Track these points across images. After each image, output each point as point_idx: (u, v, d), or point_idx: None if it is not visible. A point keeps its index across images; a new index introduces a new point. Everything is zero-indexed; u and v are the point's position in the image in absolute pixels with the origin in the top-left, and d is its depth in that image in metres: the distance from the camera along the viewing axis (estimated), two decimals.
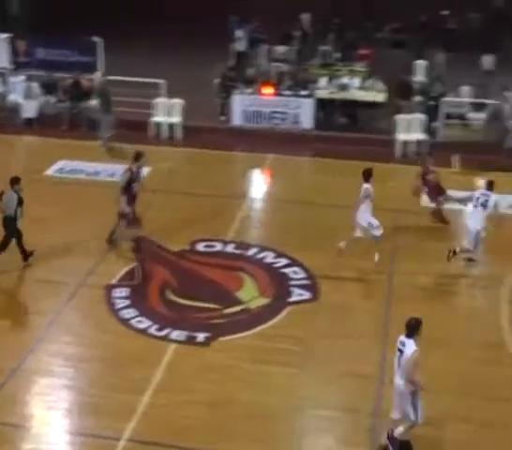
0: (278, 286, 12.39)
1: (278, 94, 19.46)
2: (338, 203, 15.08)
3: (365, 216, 12.64)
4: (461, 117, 18.72)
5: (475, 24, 26.36)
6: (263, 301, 11.98)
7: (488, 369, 10.40)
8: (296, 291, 12.25)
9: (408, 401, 8.79)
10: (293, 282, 12.48)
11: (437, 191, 14.32)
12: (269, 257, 13.23)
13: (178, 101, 19.26)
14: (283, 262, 13.06)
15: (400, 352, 8.71)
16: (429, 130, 18.09)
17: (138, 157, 13.37)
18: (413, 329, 8.63)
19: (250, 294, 12.15)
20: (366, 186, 12.60)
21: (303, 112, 19.05)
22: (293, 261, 13.06)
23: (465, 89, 19.08)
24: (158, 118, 19.17)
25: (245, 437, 9.13)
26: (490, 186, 12.78)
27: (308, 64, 21.72)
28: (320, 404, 9.79)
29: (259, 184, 17.22)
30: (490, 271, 12.98)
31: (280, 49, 23.07)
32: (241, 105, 19.36)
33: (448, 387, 9.92)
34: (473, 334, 11.25)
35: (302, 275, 12.68)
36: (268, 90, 19.52)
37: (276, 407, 9.66)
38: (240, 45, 23.50)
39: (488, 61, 22.34)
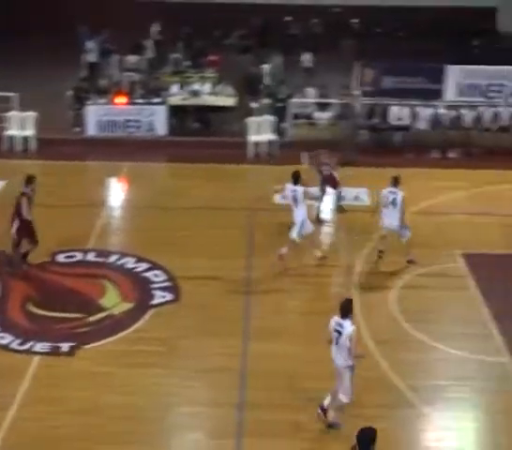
0: (141, 290, 12.59)
1: (131, 103, 19.61)
2: (196, 206, 15.50)
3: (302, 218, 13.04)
4: (308, 117, 19.54)
5: (316, 29, 27.62)
6: (127, 306, 12.15)
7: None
8: (158, 293, 12.50)
9: (347, 378, 9.37)
10: (155, 285, 12.73)
11: (331, 184, 14.84)
12: (130, 262, 13.41)
13: (31, 114, 19.07)
14: (144, 266, 13.28)
15: (338, 332, 9.21)
16: (279, 131, 18.81)
17: (29, 180, 13.10)
18: (345, 310, 9.20)
19: (113, 301, 12.30)
20: (298, 188, 12.99)
21: (157, 120, 19.33)
22: (153, 264, 13.28)
23: (310, 90, 19.92)
24: (11, 132, 18.91)
25: (118, 440, 9.26)
26: (396, 182, 13.01)
27: (160, 72, 22.04)
28: (187, 401, 10.08)
29: (116, 192, 17.34)
30: (340, 259, 13.71)
31: (132, 58, 23.18)
32: (95, 115, 19.39)
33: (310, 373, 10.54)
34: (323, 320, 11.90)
35: (163, 277, 12.94)
36: (121, 99, 19.66)
37: (145, 408, 9.85)
38: (91, 56, 23.42)
39: (307, 58, 23.49)
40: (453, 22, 27.01)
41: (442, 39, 26.90)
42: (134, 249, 13.79)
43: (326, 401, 9.60)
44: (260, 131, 18.32)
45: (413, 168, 17.50)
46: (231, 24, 26.87)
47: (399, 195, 12.81)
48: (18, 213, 12.92)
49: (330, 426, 9.60)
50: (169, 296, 12.44)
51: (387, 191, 12.90)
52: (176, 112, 19.63)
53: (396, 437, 9.46)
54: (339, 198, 15.11)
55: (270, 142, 18.34)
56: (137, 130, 19.37)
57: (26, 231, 12.99)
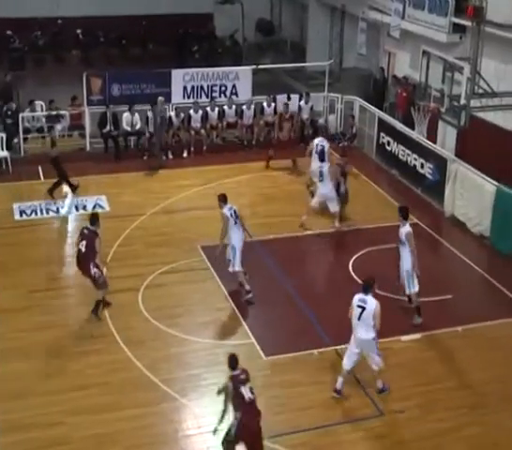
0: None
1: None
2: None
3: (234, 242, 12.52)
4: (40, 130, 19.24)
5: (40, 42, 27.21)
6: None
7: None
8: None
9: (376, 349, 10.06)
10: None
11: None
12: None
13: None
14: None
15: (362, 308, 9.87)
16: (11, 147, 18.35)
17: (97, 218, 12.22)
18: (368, 286, 10.00)
19: None
20: (225, 210, 12.45)
21: None
22: None
23: (38, 104, 19.57)
24: None
25: None
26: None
27: None
28: None
29: None
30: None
31: None
32: None
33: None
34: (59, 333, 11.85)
35: None
36: None
37: None
38: None
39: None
40: (174, 28, 27.97)
41: (165, 45, 27.84)
42: None
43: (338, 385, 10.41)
44: None
45: (150, 170, 18.01)
46: None
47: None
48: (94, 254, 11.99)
49: (381, 391, 10.40)
50: None
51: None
52: None
53: (160, 431, 9.75)
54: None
55: (3, 160, 17.81)
56: None
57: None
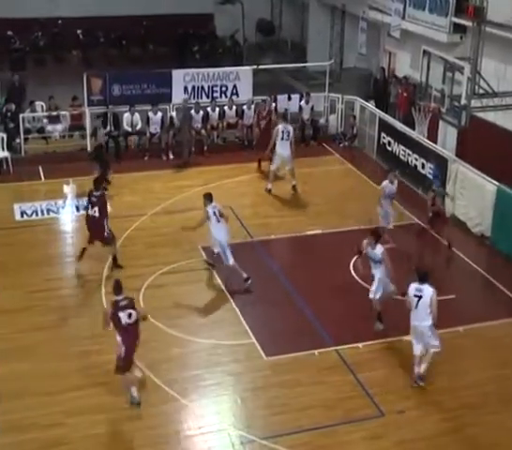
0: None
1: None
2: None
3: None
4: (41, 130, 19.26)
5: (41, 43, 27.21)
6: None
7: None
8: None
9: (433, 334, 10.27)
10: None
11: None
12: None
13: None
14: None
15: (418, 297, 10.15)
16: (12, 147, 18.37)
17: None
18: (425, 276, 10.20)
19: None
20: (209, 209, 12.84)
21: None
22: None
23: (39, 104, 19.58)
24: None
25: None
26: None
27: None
28: None
29: None
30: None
31: None
32: None
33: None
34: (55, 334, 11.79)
35: None
36: None
37: None
38: None
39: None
40: (175, 28, 27.99)
41: (165, 46, 27.88)
42: None
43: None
44: None
45: (151, 171, 18.04)
46: None
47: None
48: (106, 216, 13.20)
49: (420, 378, 10.56)
50: None
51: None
52: None
53: (161, 432, 9.73)
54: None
55: (4, 160, 17.81)
56: None
57: None
